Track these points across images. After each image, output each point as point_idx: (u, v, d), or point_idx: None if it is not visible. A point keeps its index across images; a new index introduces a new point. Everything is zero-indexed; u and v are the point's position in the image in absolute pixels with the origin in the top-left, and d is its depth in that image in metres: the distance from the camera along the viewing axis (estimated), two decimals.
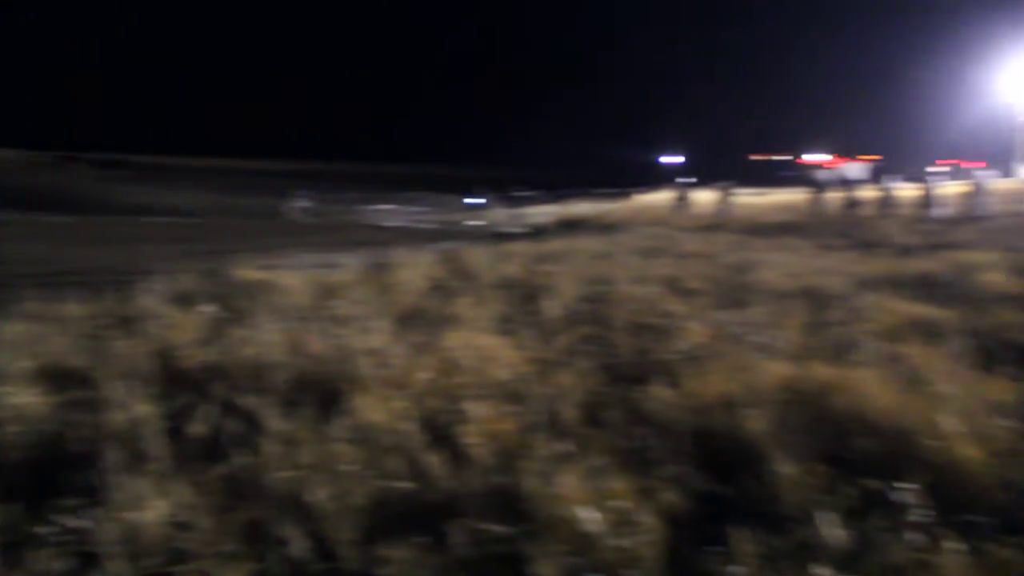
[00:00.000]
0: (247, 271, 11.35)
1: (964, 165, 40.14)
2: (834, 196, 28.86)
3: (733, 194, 30.72)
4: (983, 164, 36.90)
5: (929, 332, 7.11)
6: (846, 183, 29.45)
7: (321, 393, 5.35)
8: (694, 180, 34.18)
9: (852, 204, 27.35)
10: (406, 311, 8.21)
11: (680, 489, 4.00)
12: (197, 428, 4.62)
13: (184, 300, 8.46)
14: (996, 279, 10.57)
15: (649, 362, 6.24)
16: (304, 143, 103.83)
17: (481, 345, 6.38)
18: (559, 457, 4.18)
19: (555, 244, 16.16)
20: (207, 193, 43.00)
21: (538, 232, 21.82)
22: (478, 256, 12.71)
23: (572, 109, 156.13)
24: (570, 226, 24.44)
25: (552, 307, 8.06)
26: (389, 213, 34.80)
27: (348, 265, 11.44)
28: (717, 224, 23.50)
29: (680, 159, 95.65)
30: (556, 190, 46.01)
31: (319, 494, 3.83)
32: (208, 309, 7.81)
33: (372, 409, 4.86)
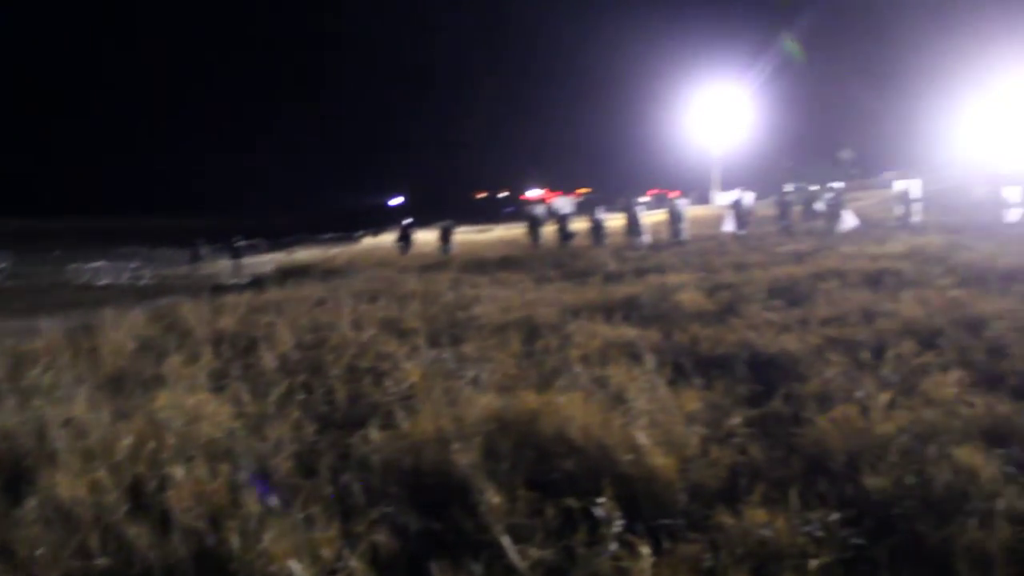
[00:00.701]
0: None
1: (669, 195, 43.33)
2: (550, 229, 30.15)
3: (455, 232, 31.47)
4: (679, 193, 39.98)
5: (631, 352, 7.58)
6: (560, 216, 30.72)
7: (9, 473, 4.98)
8: (417, 220, 34.68)
9: (566, 236, 28.73)
10: (112, 375, 7.79)
11: (389, 530, 4.06)
12: None
13: None
14: (691, 298, 11.43)
15: (364, 406, 6.29)
16: (9, 199, 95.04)
17: (191, 404, 6.17)
18: (269, 512, 4.12)
19: (276, 293, 15.84)
20: None
21: (260, 282, 21.28)
22: (193, 311, 12.22)
23: (296, 155, 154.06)
24: (294, 273, 23.99)
25: (268, 358, 7.91)
26: (102, 270, 32.70)
27: (49, 330, 10.62)
28: (440, 262, 23.93)
29: (404, 200, 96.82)
30: (282, 238, 45.36)
31: None
32: None
33: (67, 484, 4.58)
